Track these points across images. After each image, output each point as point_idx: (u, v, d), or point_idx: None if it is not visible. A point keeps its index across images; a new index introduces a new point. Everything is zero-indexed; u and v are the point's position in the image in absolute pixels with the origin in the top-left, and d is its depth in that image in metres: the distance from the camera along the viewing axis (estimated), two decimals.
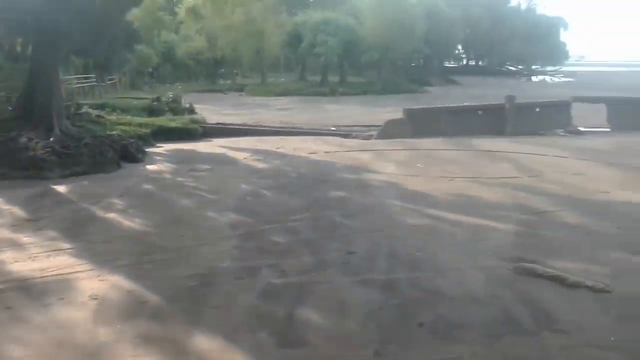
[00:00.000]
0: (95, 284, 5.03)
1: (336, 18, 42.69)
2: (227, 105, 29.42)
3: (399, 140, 15.00)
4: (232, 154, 12.57)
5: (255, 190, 8.87)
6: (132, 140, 12.38)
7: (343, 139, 15.53)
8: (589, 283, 4.93)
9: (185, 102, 23.38)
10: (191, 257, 5.80)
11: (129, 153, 11.63)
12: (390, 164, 11.18)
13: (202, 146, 14.17)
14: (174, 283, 5.10)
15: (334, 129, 18.61)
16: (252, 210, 7.63)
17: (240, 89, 41.63)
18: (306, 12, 46.87)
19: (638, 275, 5.18)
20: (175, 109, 21.21)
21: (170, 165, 11.37)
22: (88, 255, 5.82)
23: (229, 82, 47.86)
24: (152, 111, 19.59)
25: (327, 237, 6.43)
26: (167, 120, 17.05)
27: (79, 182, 9.65)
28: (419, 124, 16.37)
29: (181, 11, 45.14)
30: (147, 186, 9.43)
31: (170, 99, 22.41)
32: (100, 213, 7.58)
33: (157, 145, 14.17)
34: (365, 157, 12.13)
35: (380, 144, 14.40)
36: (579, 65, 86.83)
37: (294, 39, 43.49)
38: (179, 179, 9.95)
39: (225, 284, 5.11)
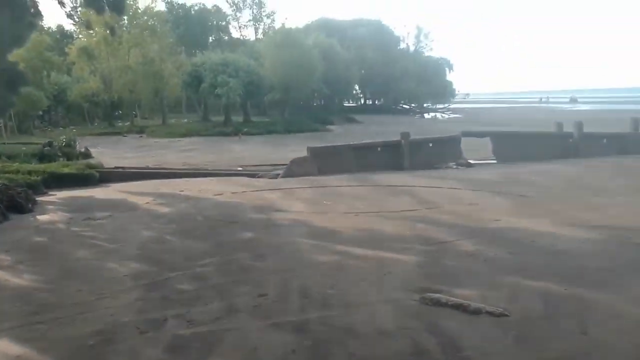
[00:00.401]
0: None
1: (235, 59, 43.13)
2: (126, 148, 28.31)
3: (305, 178, 15.23)
4: (132, 199, 12.02)
5: (158, 237, 8.51)
6: (20, 189, 11.45)
7: (250, 179, 15.47)
8: (489, 309, 5.23)
9: (80, 146, 22.19)
10: (89, 313, 5.39)
11: (17, 203, 10.75)
12: (298, 202, 11.27)
13: (99, 192, 13.43)
14: (70, 343, 4.70)
15: (240, 169, 18.52)
16: (156, 258, 7.29)
17: (141, 130, 40.38)
18: (205, 53, 46.81)
19: (531, 298, 5.56)
20: (69, 153, 20.07)
21: (64, 214, 10.62)
22: None
23: (127, 124, 46.21)
24: (43, 157, 18.39)
25: (237, 280, 6.29)
26: (60, 166, 16.02)
27: None
28: (323, 162, 16.76)
29: (72, 52, 43.17)
30: (38, 238, 8.72)
31: (63, 144, 21.17)
32: None
33: (50, 193, 13.24)
34: (272, 196, 12.13)
35: (287, 182, 14.50)
36: (465, 103, 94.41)
37: (194, 80, 43.17)
38: (74, 228, 9.30)
39: (128, 339, 4.78)
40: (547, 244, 7.53)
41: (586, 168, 15.44)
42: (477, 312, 5.19)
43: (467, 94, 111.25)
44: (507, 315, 5.10)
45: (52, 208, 11.36)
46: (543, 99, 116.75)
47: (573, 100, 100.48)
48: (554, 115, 46.67)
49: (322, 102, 67.45)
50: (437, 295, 5.56)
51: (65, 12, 13.84)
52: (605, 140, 19.94)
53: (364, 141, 24.26)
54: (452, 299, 5.46)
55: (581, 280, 6.02)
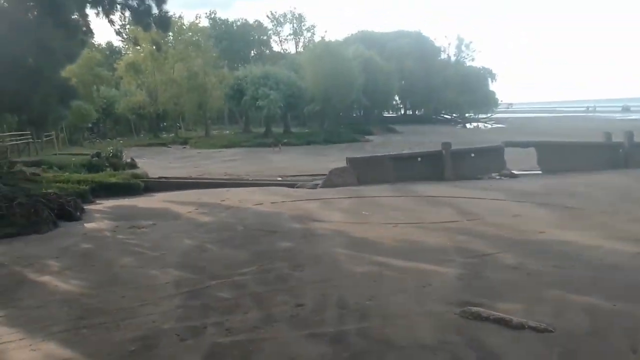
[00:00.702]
0: (27, 354, 4.69)
1: (276, 72, 43.75)
2: (170, 158, 29.07)
3: (344, 188, 15.21)
4: (175, 208, 12.30)
5: (199, 245, 8.67)
6: (69, 198, 11.92)
7: (289, 189, 15.57)
8: (533, 324, 5.06)
9: (126, 157, 22.97)
10: (132, 319, 5.53)
11: (66, 211, 11.18)
12: (337, 213, 11.26)
13: (144, 201, 13.81)
14: (113, 348, 4.83)
15: (280, 179, 18.67)
16: (197, 266, 7.43)
17: (184, 142, 41.43)
18: (247, 66, 47.70)
19: (576, 313, 5.36)
20: (116, 164, 20.78)
21: (110, 222, 10.97)
22: (19, 322, 5.45)
23: (172, 135, 47.51)
24: (91, 167, 19.08)
25: (275, 290, 6.32)
26: (107, 176, 16.59)
27: (12, 244, 9.13)
28: (362, 172, 16.71)
29: (120, 67, 44.85)
30: (86, 245, 9.02)
31: (110, 154, 21.96)
32: (33, 276, 7.16)
33: (97, 202, 13.72)
34: (311, 206, 12.17)
35: (326, 192, 14.52)
36: (508, 112, 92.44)
37: (236, 93, 44.01)
38: (120, 236, 9.59)
39: (168, 346, 4.88)
40: (594, 257, 7.24)
41: (636, 179, 14.80)
42: (519, 327, 5.03)
43: (511, 104, 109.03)
44: (551, 331, 4.92)
45: (99, 216, 11.76)
46: (590, 109, 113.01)
47: (626, 109, 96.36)
48: (602, 124, 45.12)
49: (362, 113, 67.45)
50: (478, 309, 5.42)
51: (115, 29, 14.47)
52: None
53: (403, 151, 24.12)
54: (494, 313, 5.31)
55: (631, 296, 5.75)
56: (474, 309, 5.44)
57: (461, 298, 5.85)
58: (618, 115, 78.80)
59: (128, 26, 16.50)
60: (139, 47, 41.04)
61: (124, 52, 50.76)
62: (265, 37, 76.60)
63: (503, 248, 7.90)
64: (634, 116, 73.71)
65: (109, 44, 61.18)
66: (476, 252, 7.70)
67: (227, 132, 52.87)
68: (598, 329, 4.97)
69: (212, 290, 6.36)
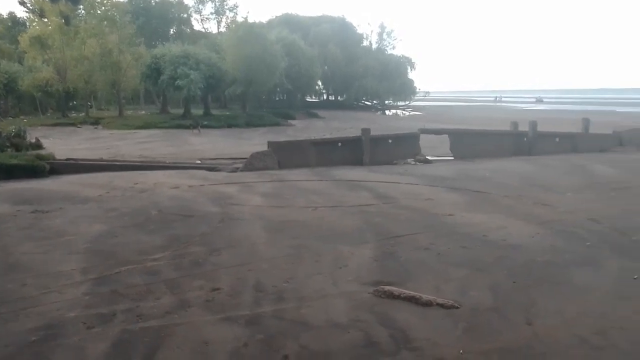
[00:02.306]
0: None
1: (196, 52, 42.29)
2: (80, 139, 27.39)
3: (264, 172, 15.12)
4: (84, 191, 11.64)
5: (110, 230, 8.27)
6: None
7: (208, 173, 15.22)
8: (440, 301, 5.33)
9: (31, 137, 21.39)
10: (34, 308, 5.20)
11: None
12: (256, 196, 11.17)
13: (49, 184, 12.94)
14: (12, 339, 4.52)
15: (198, 162, 18.19)
16: (107, 252, 7.09)
17: (96, 122, 39.15)
18: (165, 45, 45.76)
19: (480, 290, 5.69)
20: (19, 144, 19.31)
21: (11, 206, 10.17)
22: None
23: (82, 114, 44.75)
24: None
25: (190, 275, 6.18)
26: (7, 157, 15.35)
27: None
28: (284, 156, 16.68)
29: (24, 40, 41.44)
30: None
31: (12, 134, 20.33)
32: None
33: None
34: (231, 190, 11.99)
35: (246, 176, 14.36)
36: (425, 100, 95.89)
37: (154, 72, 42.09)
38: (21, 221, 8.93)
39: (74, 335, 4.64)
40: (498, 238, 7.72)
41: (539, 165, 15.91)
42: (428, 304, 5.28)
43: (428, 92, 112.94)
44: (457, 307, 5.21)
45: None
46: (497, 98, 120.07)
47: (539, 101, 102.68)
48: (511, 114, 47.99)
49: (285, 97, 67.21)
50: (390, 288, 5.62)
51: None
52: (557, 139, 20.62)
53: (325, 136, 24.35)
54: (405, 291, 5.53)
55: (529, 274, 6.21)
56: (387, 288, 5.63)
57: (375, 278, 6.03)
58: (525, 106, 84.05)
59: None
60: (45, 20, 38.08)
61: (28, 25, 46.87)
62: (185, 16, 73.74)
63: (416, 230, 8.21)
64: (542, 107, 79.02)
65: (12, 15, 56.40)
66: (391, 234, 7.96)
67: (143, 112, 50.64)
68: (499, 304, 5.32)
69: (123, 277, 6.11)
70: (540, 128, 20.57)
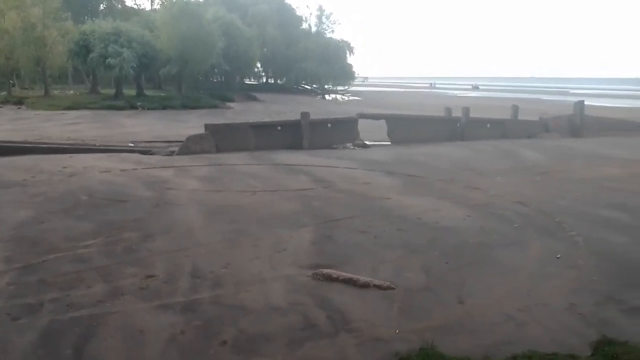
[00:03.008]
0: None
1: (129, 29, 40.45)
2: (2, 120, 25.66)
3: (201, 156, 14.80)
4: (7, 175, 10.94)
5: (36, 216, 7.84)
6: None
7: (142, 156, 14.70)
8: (377, 282, 5.46)
9: None
10: None
11: None
12: (193, 180, 10.93)
13: None
14: None
15: (131, 145, 17.52)
16: (33, 239, 6.73)
17: (19, 101, 36.71)
18: (95, 21, 43.45)
19: (415, 271, 5.88)
20: None
21: None
22: None
23: (3, 93, 41.89)
24: None
25: (123, 262, 5.98)
26: None
27: None
28: (221, 140, 16.38)
29: None
30: None
31: None
32: None
33: None
34: (166, 174, 11.66)
35: (182, 160, 14.00)
36: (364, 86, 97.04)
37: (82, 49, 39.88)
38: None
39: None
40: (432, 220, 7.99)
41: (471, 150, 16.54)
42: (365, 285, 5.39)
43: (366, 78, 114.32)
44: (393, 288, 5.36)
45: None
46: (432, 84, 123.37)
47: (475, 88, 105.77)
48: (445, 100, 49.47)
49: (222, 79, 65.78)
50: (329, 271, 5.69)
51: None
52: (489, 125, 21.50)
53: (264, 120, 24.11)
54: (343, 274, 5.62)
55: (461, 255, 6.47)
56: (325, 271, 5.70)
57: (314, 261, 6.09)
58: (460, 92, 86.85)
59: None
60: None
61: None
62: None
63: (353, 213, 8.34)
64: (476, 94, 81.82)
65: None
66: (329, 218, 8.04)
67: (72, 92, 48.06)
68: (432, 284, 5.53)
69: (51, 265, 5.83)
70: (473, 114, 21.35)
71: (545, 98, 65.79)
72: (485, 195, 10.02)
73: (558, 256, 6.45)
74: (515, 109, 22.59)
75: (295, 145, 17.16)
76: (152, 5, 68.16)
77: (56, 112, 30.74)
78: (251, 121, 20.59)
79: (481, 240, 7.09)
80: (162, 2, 58.61)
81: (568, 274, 5.89)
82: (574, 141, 19.59)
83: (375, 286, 5.39)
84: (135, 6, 68.37)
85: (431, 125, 20.86)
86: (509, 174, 12.48)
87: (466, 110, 21.01)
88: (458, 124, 20.79)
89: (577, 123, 21.95)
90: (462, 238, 7.16)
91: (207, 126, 16.90)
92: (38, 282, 5.36)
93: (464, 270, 5.94)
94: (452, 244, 6.88)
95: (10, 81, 45.80)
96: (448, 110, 22.06)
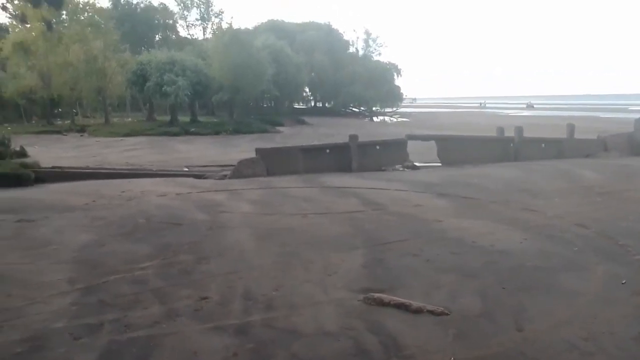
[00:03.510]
0: None
1: (183, 58, 42.14)
2: (66, 147, 27.11)
3: (253, 179, 15.08)
4: (70, 200, 11.50)
5: (97, 239, 8.17)
6: None
7: (196, 180, 15.14)
8: (430, 307, 5.33)
9: (15, 145, 21.10)
10: (18, 320, 5.11)
11: None
12: (245, 204, 11.13)
13: (34, 193, 12.77)
14: None
15: (186, 169, 18.10)
16: (93, 261, 7.00)
17: (82, 129, 38.76)
18: (151, 51, 45.52)
19: (470, 296, 5.71)
20: (3, 152, 19.05)
21: None
22: None
23: (67, 122, 44.31)
24: None
25: (178, 284, 6.12)
26: None
27: None
28: (272, 163, 16.65)
29: (6, 46, 40.90)
30: None
31: None
32: None
33: None
34: (219, 197, 11.93)
35: (235, 183, 14.30)
36: (412, 107, 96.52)
37: (139, 78, 41.84)
38: (5, 231, 8.79)
39: (60, 346, 4.56)
40: (486, 244, 7.76)
41: (525, 171, 16.06)
42: (418, 311, 5.27)
43: (414, 99, 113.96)
44: (447, 314, 5.21)
45: None
46: (482, 104, 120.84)
47: (529, 107, 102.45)
48: (496, 120, 48.43)
49: (272, 104, 67.16)
50: (380, 295, 5.61)
51: None
52: (543, 145, 20.86)
53: (313, 143, 24.36)
54: (395, 298, 5.52)
55: (519, 279, 6.24)
56: (376, 295, 5.62)
57: (365, 285, 6.02)
58: (512, 111, 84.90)
59: (16, 1, 14.98)
60: (28, 25, 37.63)
61: (10, 31, 46.35)
62: (170, 22, 73.54)
63: (405, 236, 8.23)
64: (529, 113, 79.58)
65: None
66: (380, 240, 7.96)
67: (130, 119, 50.30)
68: (488, 310, 5.34)
69: (110, 286, 6.03)
70: (527, 133, 20.79)
71: (602, 115, 63.31)
72: (543, 217, 9.66)
73: (623, 282, 6.11)
74: (571, 127, 21.83)
75: (344, 167, 17.22)
76: (204, 34, 70.92)
77: (115, 138, 32.20)
78: (300, 145, 20.82)
79: (539, 264, 6.82)
80: (214, 32, 60.86)
81: (635, 300, 5.56)
82: (635, 160, 18.67)
83: (428, 311, 5.26)
84: (188, 36, 71.34)
85: (483, 146, 20.44)
86: (567, 195, 12.01)
87: (519, 129, 20.48)
88: (511, 144, 20.28)
89: (638, 141, 20.95)
90: (519, 262, 6.91)
91: (257, 150, 17.24)
92: (98, 302, 5.56)
93: (522, 295, 5.72)
94: (508, 268, 6.65)
95: (74, 110, 48.45)
96: (500, 130, 21.60)
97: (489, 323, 5.03)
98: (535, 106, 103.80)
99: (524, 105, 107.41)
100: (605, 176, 14.78)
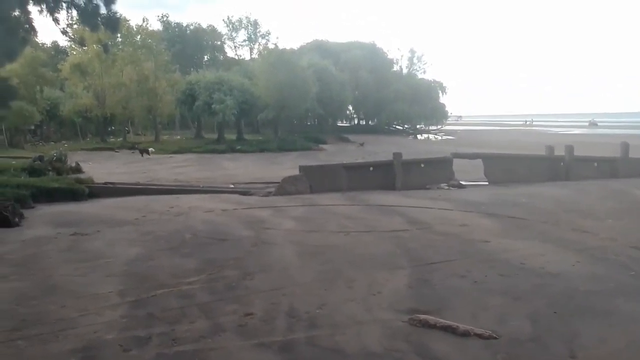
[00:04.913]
0: None
1: (230, 78, 43.31)
2: (118, 163, 28.17)
3: (296, 196, 15.19)
4: (121, 214, 11.91)
5: (146, 253, 8.41)
6: (7, 203, 11.32)
7: (241, 197, 15.38)
8: (478, 331, 5.18)
9: (71, 161, 22.09)
10: (72, 330, 5.28)
11: (4, 217, 10.63)
12: (289, 220, 11.21)
13: (88, 207, 13.30)
14: None
15: (232, 186, 18.42)
16: (143, 275, 7.20)
17: (133, 147, 40.26)
18: (200, 71, 46.99)
19: (519, 320, 5.52)
20: (60, 168, 19.94)
21: (52, 229, 10.48)
22: None
23: (120, 139, 46.11)
24: (33, 171, 18.17)
25: (224, 299, 6.20)
26: (49, 181, 15.87)
27: None
28: (315, 181, 16.73)
29: (65, 67, 43.15)
30: (24, 253, 8.58)
31: (54, 158, 21.04)
32: None
33: (39, 208, 13.13)
34: (263, 214, 12.07)
35: (279, 200, 14.45)
36: (457, 125, 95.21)
37: (188, 98, 43.27)
38: (61, 243, 9.17)
39: (110, 357, 4.69)
40: (536, 266, 7.51)
41: (576, 191, 15.51)
42: (465, 334, 5.13)
43: (460, 116, 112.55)
44: (495, 338, 5.05)
45: (40, 222, 11.22)
46: (527, 122, 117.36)
47: (593, 124, 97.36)
48: (543, 138, 47.14)
49: (316, 122, 67.82)
50: (425, 317, 5.50)
51: (60, 28, 13.69)
52: (596, 164, 20.12)
53: (356, 160, 24.36)
54: (441, 320, 5.40)
55: (571, 304, 5.99)
56: (422, 316, 5.51)
57: (410, 306, 5.93)
58: (562, 130, 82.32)
59: (75, 25, 15.81)
60: (85, 48, 39.66)
61: (69, 53, 48.90)
62: (219, 43, 75.89)
63: (451, 256, 8.07)
64: (578, 131, 76.79)
65: (55, 44, 59.01)
66: (425, 260, 7.84)
67: (178, 137, 51.87)
68: (539, 335, 5.14)
69: (158, 300, 6.18)
70: (579, 152, 20.11)
71: None
72: (595, 239, 9.28)
73: None
74: (625, 146, 20.95)
75: (387, 185, 17.09)
76: (251, 55, 72.69)
77: (165, 155, 33.23)
78: (344, 162, 20.86)
79: (593, 288, 6.53)
80: (260, 52, 62.30)
81: None
82: None
83: (476, 335, 5.11)
84: (235, 57, 73.37)
85: (531, 165, 19.88)
86: (621, 216, 11.51)
87: (570, 148, 19.82)
88: (561, 163, 19.65)
89: None
90: (571, 285, 6.64)
91: (301, 168, 17.37)
92: (147, 315, 5.69)
93: (574, 320, 5.49)
94: (560, 292, 6.40)
95: (126, 128, 50.40)
96: (550, 148, 20.97)
97: (539, 348, 4.84)
98: (598, 124, 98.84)
99: (587, 123, 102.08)
100: None
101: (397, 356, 4.68)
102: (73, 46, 45.90)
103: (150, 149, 34.49)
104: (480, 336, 5.08)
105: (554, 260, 7.83)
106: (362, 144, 43.62)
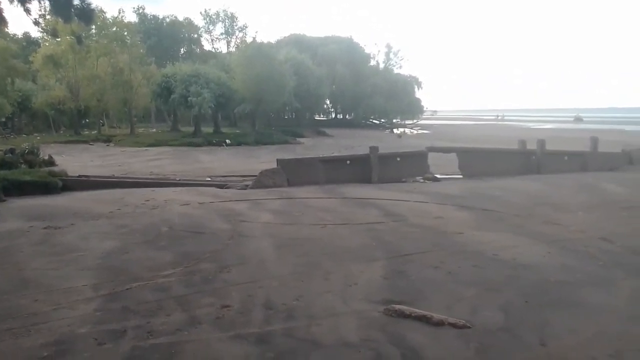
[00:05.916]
0: None
1: (206, 71, 42.87)
2: (92, 156, 27.69)
3: (274, 189, 15.17)
4: (95, 208, 11.73)
5: (121, 246, 8.32)
6: None
7: (218, 190, 15.29)
8: (452, 320, 5.29)
9: (44, 154, 21.66)
10: (45, 324, 5.21)
11: None
12: (266, 213, 11.20)
13: (61, 200, 13.06)
14: (22, 355, 4.54)
15: (208, 179, 18.29)
16: (117, 268, 7.12)
17: (108, 139, 39.62)
18: (176, 64, 46.40)
19: (492, 310, 5.65)
20: (32, 161, 19.57)
21: (23, 222, 10.27)
22: None
23: (94, 132, 45.32)
24: (4, 164, 17.80)
25: (200, 292, 6.19)
26: (20, 174, 15.52)
27: None
28: (292, 174, 16.73)
29: (37, 59, 42.11)
30: None
31: (26, 151, 20.60)
32: None
33: (10, 201, 12.85)
34: (240, 207, 12.03)
35: (256, 193, 14.41)
36: (433, 119, 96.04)
37: (164, 90, 42.66)
38: (33, 237, 9.01)
39: (84, 351, 4.65)
40: (509, 257, 7.68)
41: (548, 184, 15.85)
42: (440, 323, 5.24)
43: (435, 111, 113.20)
44: (469, 327, 5.17)
45: (11, 216, 10.99)
46: (499, 117, 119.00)
47: (578, 120, 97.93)
48: (517, 132, 47.92)
49: (293, 116, 67.68)
50: (401, 307, 5.59)
51: (32, 19, 13.36)
52: (566, 158, 20.56)
53: (333, 154, 24.43)
54: (416, 310, 5.50)
55: (542, 294, 6.15)
56: (397, 306, 5.60)
57: (385, 296, 6.01)
58: (532, 124, 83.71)
59: (48, 16, 15.42)
60: (58, 39, 38.76)
61: (42, 44, 47.70)
62: (195, 36, 74.98)
63: (426, 248, 8.19)
64: (550, 126, 78.22)
65: (26, 35, 57.51)
66: (400, 252, 7.94)
67: (154, 130, 51.20)
68: (511, 324, 5.28)
69: (134, 293, 6.13)
70: (550, 146, 20.52)
71: (628, 129, 62.09)
72: (566, 231, 9.52)
73: None
74: (595, 140, 21.46)
75: (364, 179, 17.21)
76: (228, 48, 72.01)
77: (140, 148, 32.79)
78: (321, 156, 20.90)
79: (563, 278, 6.72)
80: (237, 45, 61.77)
81: None
82: None
83: (450, 324, 5.22)
84: (212, 50, 72.51)
85: (504, 158, 20.23)
86: (591, 209, 11.82)
87: (541, 142, 20.22)
88: (533, 157, 20.04)
89: None
90: (542, 276, 6.81)
91: (279, 161, 17.35)
92: (122, 309, 5.65)
93: (545, 310, 5.64)
94: (531, 282, 6.57)
95: (101, 121, 49.54)
96: (522, 142, 21.36)
97: (511, 338, 4.97)
98: (584, 119, 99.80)
99: (572, 119, 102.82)
100: (631, 190, 14.51)
101: (373, 346, 4.75)
102: (45, 37, 44.87)
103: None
104: (454, 325, 5.18)
105: (526, 252, 8.01)
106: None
